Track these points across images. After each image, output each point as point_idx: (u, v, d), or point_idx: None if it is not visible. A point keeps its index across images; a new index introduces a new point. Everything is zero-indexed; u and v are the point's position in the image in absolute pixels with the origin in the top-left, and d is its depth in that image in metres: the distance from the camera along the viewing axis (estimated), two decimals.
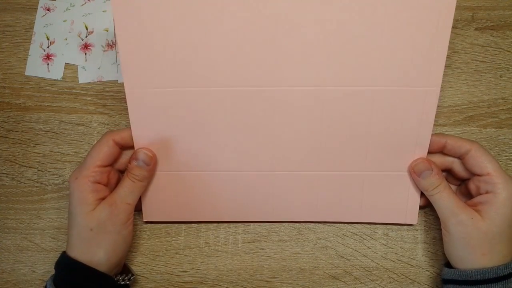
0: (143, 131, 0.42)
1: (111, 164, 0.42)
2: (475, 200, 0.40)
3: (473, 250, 0.38)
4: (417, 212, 0.44)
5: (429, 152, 0.42)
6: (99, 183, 0.40)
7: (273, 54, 0.39)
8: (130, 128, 0.42)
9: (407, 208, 0.44)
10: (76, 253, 0.39)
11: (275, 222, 0.47)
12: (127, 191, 0.41)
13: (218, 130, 0.42)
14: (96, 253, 0.39)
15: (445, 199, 0.39)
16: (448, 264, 0.41)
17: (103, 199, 0.40)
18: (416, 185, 0.42)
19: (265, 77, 0.40)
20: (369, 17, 0.37)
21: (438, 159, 0.42)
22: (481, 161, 0.39)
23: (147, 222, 0.47)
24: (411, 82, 0.39)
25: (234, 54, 0.39)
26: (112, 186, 0.42)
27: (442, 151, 0.42)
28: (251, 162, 0.43)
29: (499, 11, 0.48)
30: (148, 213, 0.46)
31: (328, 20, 0.38)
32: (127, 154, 0.43)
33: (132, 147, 0.42)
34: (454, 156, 0.42)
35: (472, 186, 0.41)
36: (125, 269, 0.44)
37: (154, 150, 0.42)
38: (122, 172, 0.44)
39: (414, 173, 0.41)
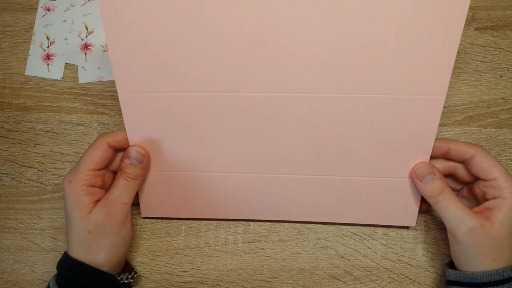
0: (138, 134, 0.42)
1: (106, 167, 0.41)
2: (483, 206, 0.39)
3: (484, 257, 0.37)
4: (416, 214, 0.44)
5: (432, 158, 0.41)
6: (93, 186, 0.40)
7: (272, 59, 0.38)
8: (124, 130, 0.41)
9: (406, 210, 0.44)
10: (77, 254, 0.39)
11: (275, 221, 0.47)
12: (121, 190, 0.40)
13: (215, 134, 0.42)
14: (97, 254, 0.39)
15: (452, 206, 0.38)
16: (450, 264, 0.41)
17: (98, 201, 0.40)
18: (417, 190, 0.42)
19: (264, 82, 0.39)
20: (375, 24, 0.36)
21: (441, 164, 0.42)
22: (487, 166, 0.38)
23: (145, 218, 0.47)
24: (416, 90, 0.38)
25: (230, 59, 0.38)
26: (107, 187, 0.42)
27: (445, 157, 0.41)
28: (249, 165, 0.43)
29: (499, 11, 0.48)
30: (146, 209, 0.46)
31: (333, 26, 0.37)
32: (121, 156, 0.42)
33: (126, 148, 0.42)
34: (458, 162, 0.41)
35: (477, 190, 0.40)
36: (127, 267, 0.44)
37: (150, 151, 0.42)
38: (116, 173, 0.43)
39: (416, 177, 0.40)
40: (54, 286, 0.39)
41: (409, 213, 0.44)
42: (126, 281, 0.42)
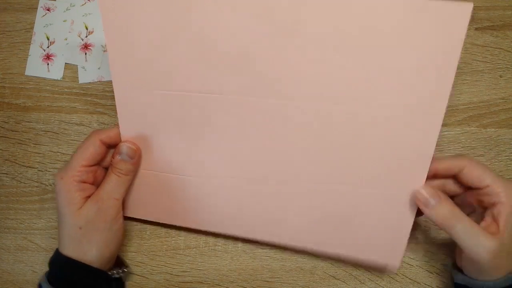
0: (131, 131, 0.42)
1: (98, 163, 0.41)
2: (488, 220, 0.38)
3: (499, 268, 0.37)
4: (402, 255, 0.41)
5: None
6: (85, 182, 0.40)
7: (273, 66, 0.38)
8: (117, 126, 0.42)
9: (392, 249, 0.41)
10: (68, 251, 0.39)
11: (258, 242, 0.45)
12: (113, 186, 0.40)
13: (207, 137, 0.41)
14: (88, 250, 0.39)
15: (471, 232, 0.36)
16: (456, 265, 0.41)
17: (89, 197, 0.40)
18: (414, 222, 0.40)
19: (260, 87, 0.39)
20: (375, 43, 0.36)
21: (432, 185, 0.40)
22: (478, 175, 0.38)
23: (126, 218, 0.45)
24: (413, 109, 0.37)
25: (228, 61, 0.38)
26: (99, 183, 0.42)
27: (435, 176, 0.40)
28: (239, 171, 0.42)
29: (499, 11, 0.48)
30: (130, 209, 0.45)
31: (334, 40, 0.36)
32: (111, 152, 0.42)
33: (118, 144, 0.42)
34: (448, 177, 0.40)
35: (472, 200, 0.39)
36: (118, 262, 0.44)
37: (141, 149, 0.42)
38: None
39: (421, 203, 0.38)
40: (45, 284, 0.39)
41: (395, 252, 0.41)
42: (117, 276, 0.42)
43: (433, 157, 0.38)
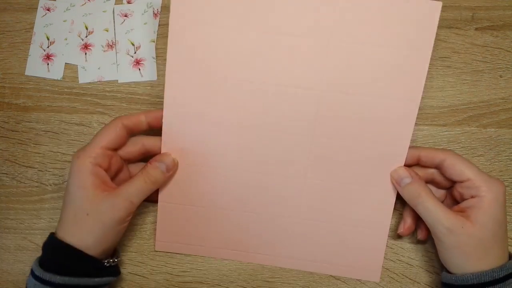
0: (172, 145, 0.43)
1: (116, 148, 0.41)
2: (462, 205, 0.39)
3: (468, 257, 0.37)
4: (380, 267, 0.44)
5: (406, 165, 0.42)
6: (100, 166, 0.40)
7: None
8: (141, 113, 0.42)
9: (372, 264, 0.44)
10: (65, 233, 0.39)
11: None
12: (135, 189, 0.40)
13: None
14: (85, 238, 0.39)
15: (431, 209, 0.38)
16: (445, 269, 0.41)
17: (103, 183, 0.40)
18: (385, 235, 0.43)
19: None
20: (358, 28, 0.40)
21: (418, 171, 0.42)
22: (458, 168, 0.39)
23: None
24: (392, 93, 0.40)
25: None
26: (112, 173, 0.42)
27: (418, 164, 0.42)
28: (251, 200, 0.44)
29: (499, 11, 0.48)
30: (161, 243, 0.46)
31: (322, 28, 0.40)
32: (133, 142, 0.43)
33: (141, 131, 0.43)
34: (430, 167, 0.41)
35: (455, 193, 0.41)
36: (115, 252, 0.44)
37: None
38: (125, 160, 0.43)
39: (395, 181, 0.41)
40: (36, 267, 0.39)
41: (374, 264, 0.45)
42: (107, 265, 0.41)
43: (419, 147, 0.43)
